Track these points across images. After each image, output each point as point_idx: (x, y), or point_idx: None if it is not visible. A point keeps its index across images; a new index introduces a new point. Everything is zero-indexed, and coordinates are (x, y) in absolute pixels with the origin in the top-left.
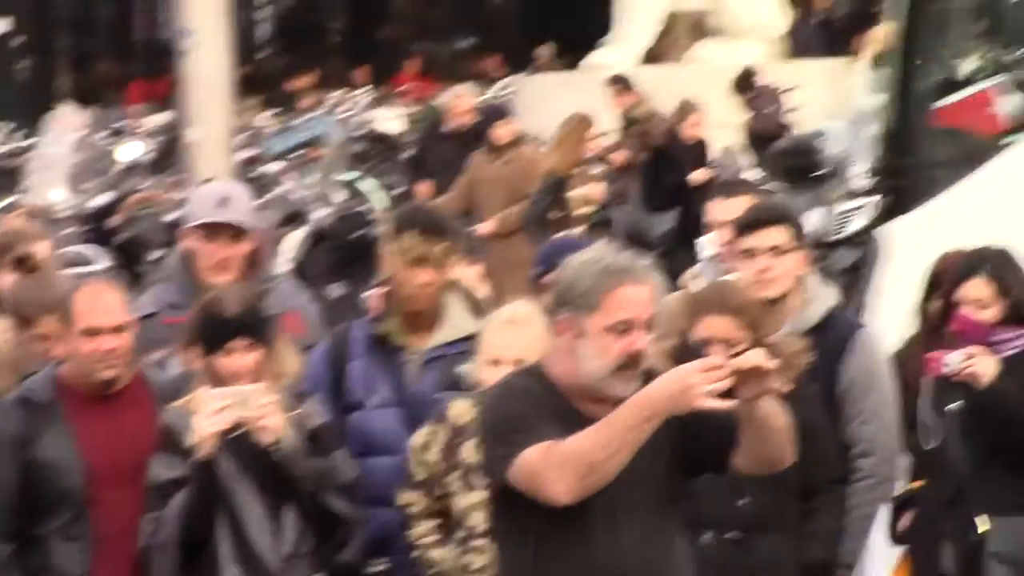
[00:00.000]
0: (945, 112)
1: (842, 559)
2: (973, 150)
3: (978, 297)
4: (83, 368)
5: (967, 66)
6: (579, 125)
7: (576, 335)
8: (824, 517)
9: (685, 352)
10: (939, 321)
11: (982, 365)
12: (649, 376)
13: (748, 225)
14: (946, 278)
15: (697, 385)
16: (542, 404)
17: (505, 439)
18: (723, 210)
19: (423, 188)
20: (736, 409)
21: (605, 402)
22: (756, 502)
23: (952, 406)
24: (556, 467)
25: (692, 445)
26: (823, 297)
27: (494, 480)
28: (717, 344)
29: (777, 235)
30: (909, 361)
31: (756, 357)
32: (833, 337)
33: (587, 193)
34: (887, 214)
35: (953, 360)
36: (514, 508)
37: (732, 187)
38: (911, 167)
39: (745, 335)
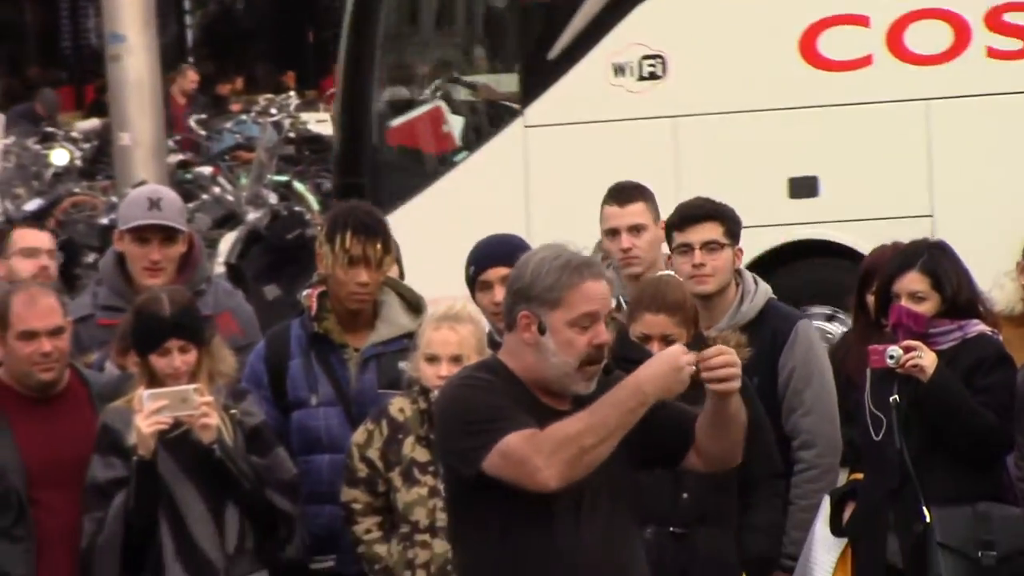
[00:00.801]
0: (398, 131)
1: (786, 550)
2: (426, 167)
3: (914, 290)
4: (21, 371)
5: (418, 87)
6: None
7: (538, 331)
8: (764, 511)
9: (623, 348)
10: (875, 314)
11: (926, 359)
12: (607, 371)
13: (682, 221)
14: (880, 272)
15: (686, 368)
16: (510, 396)
17: (480, 429)
18: (619, 216)
19: None
20: (712, 403)
21: (564, 396)
22: (697, 497)
23: (895, 398)
24: (545, 453)
25: (651, 440)
26: (759, 291)
27: (463, 472)
28: (655, 340)
29: (711, 230)
30: (847, 354)
31: (721, 351)
32: (771, 330)
33: None
34: None
35: (896, 353)
36: (478, 500)
37: (626, 193)
38: (367, 185)
39: (682, 331)
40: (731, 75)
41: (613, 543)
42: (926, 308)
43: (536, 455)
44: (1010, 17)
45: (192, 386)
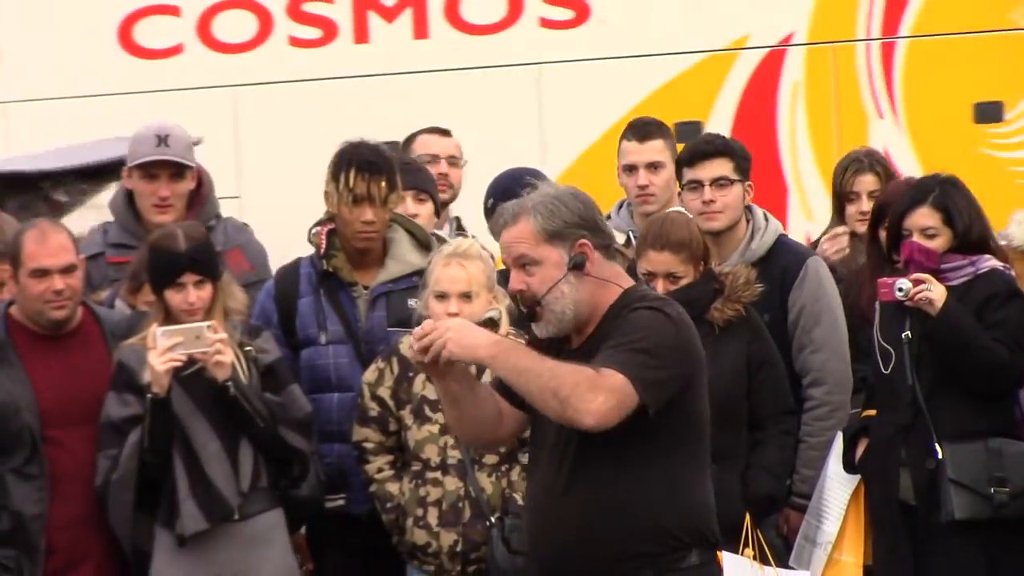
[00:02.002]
0: None
1: (796, 488)
2: None
3: (926, 226)
4: (33, 309)
5: None
6: None
7: None
8: (771, 449)
9: None
10: (887, 250)
11: (935, 291)
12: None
13: (692, 157)
14: (892, 207)
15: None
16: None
17: None
18: (637, 152)
19: None
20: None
21: (578, 333)
22: None
23: (906, 333)
24: None
25: None
26: (770, 228)
27: None
28: (659, 278)
29: (721, 166)
30: (860, 290)
31: (424, 331)
32: (781, 267)
33: None
34: None
35: (905, 286)
36: None
37: (646, 129)
38: None
39: (688, 269)
40: (57, 62)
41: (567, 491)
42: (938, 244)
43: None
44: (309, 8)
45: (206, 323)
